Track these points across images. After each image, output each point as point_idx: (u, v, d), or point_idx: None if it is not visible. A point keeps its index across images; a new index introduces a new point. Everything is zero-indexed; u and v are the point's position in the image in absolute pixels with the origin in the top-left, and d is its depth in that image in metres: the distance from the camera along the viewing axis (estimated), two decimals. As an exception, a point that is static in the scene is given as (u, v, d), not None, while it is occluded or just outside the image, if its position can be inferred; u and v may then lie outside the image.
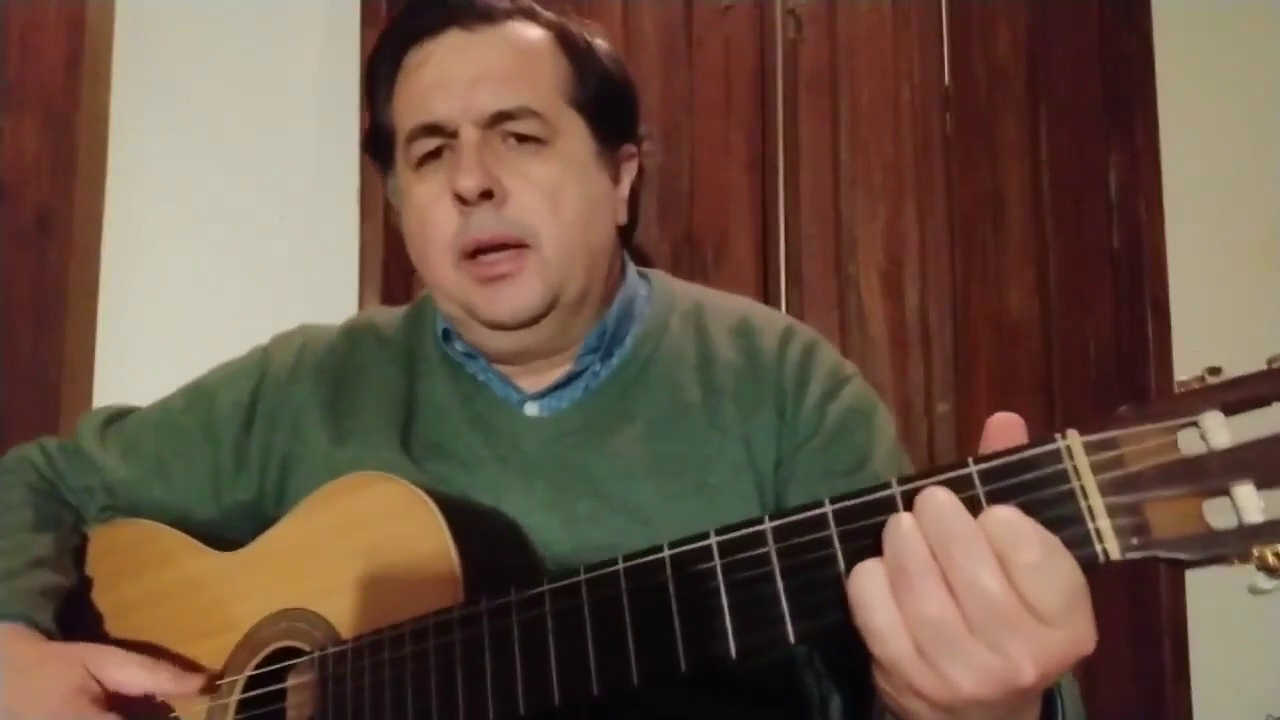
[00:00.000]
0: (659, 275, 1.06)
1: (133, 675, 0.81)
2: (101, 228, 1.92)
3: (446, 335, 0.99)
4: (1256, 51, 2.06)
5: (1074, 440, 0.58)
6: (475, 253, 0.89)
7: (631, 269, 1.03)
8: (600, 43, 0.97)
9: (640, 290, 1.02)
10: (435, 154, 0.91)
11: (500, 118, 0.88)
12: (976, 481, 0.58)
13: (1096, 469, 0.57)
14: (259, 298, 1.90)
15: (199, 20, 1.97)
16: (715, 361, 0.96)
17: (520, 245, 0.88)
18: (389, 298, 1.86)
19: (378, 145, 0.98)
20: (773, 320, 1.00)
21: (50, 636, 0.86)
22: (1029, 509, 0.56)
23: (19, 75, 1.87)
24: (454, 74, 0.89)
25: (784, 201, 1.97)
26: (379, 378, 0.99)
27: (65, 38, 1.88)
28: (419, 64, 0.91)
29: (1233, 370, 0.62)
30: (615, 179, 0.97)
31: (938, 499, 0.56)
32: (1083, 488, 0.57)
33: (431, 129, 0.89)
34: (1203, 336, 1.99)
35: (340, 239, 1.93)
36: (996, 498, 0.58)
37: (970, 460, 0.59)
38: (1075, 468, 0.57)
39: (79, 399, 1.77)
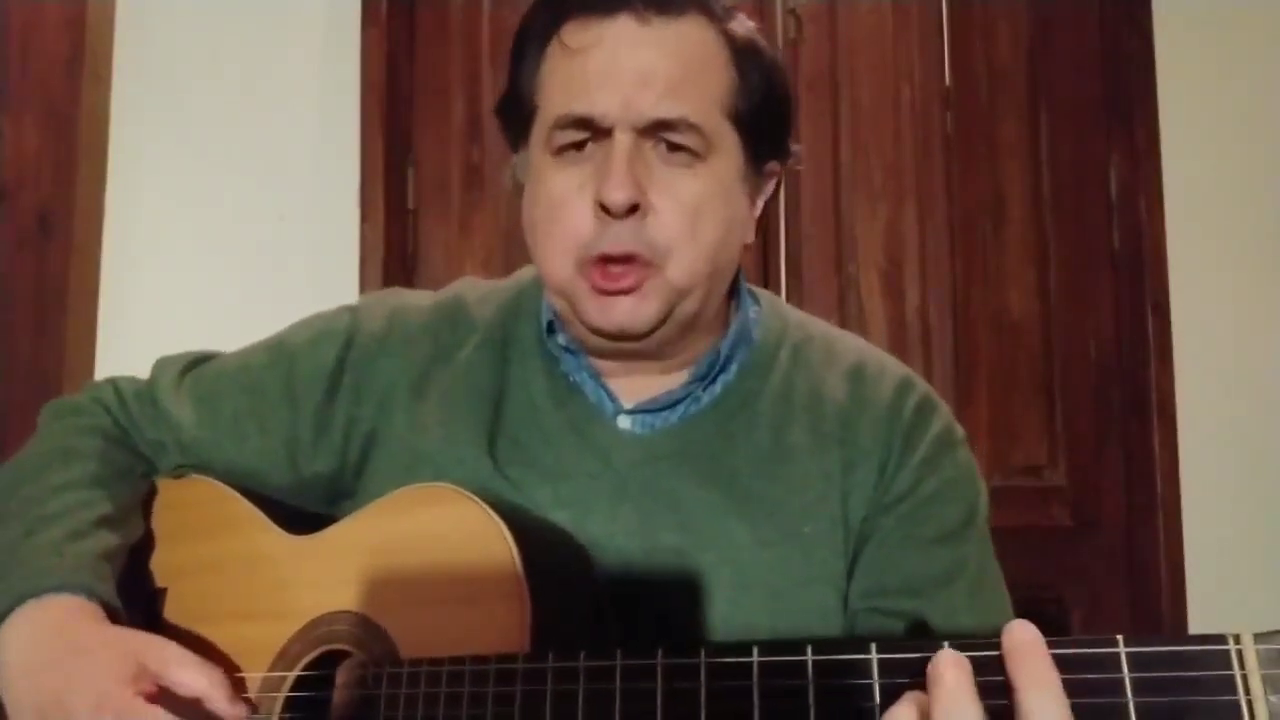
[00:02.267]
0: (768, 298, 1.01)
1: (192, 678, 0.78)
2: (101, 228, 1.92)
3: (550, 328, 0.94)
4: (1256, 51, 2.06)
5: (1248, 646, 0.51)
6: (599, 260, 0.84)
7: (745, 289, 0.98)
8: (769, 52, 0.91)
9: (750, 312, 0.97)
10: (578, 145, 0.85)
11: (659, 126, 0.83)
12: (1124, 665, 0.53)
13: (1271, 685, 0.50)
14: (259, 298, 1.90)
15: (199, 20, 1.97)
16: (825, 404, 0.91)
17: (648, 264, 0.84)
18: (389, 298, 1.86)
19: (512, 115, 0.91)
20: (888, 369, 0.95)
21: (111, 610, 0.84)
22: (1183, 711, 0.51)
23: (19, 75, 1.88)
24: (620, 68, 0.83)
25: (784, 201, 1.97)
26: (469, 363, 0.94)
27: (65, 38, 1.88)
28: (583, 46, 0.84)
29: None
30: (754, 199, 0.92)
31: (945, 680, 0.54)
32: (1250, 702, 0.50)
33: (584, 122, 0.84)
34: (1203, 336, 1.99)
35: (340, 239, 1.93)
36: (1145, 688, 0.52)
37: (1120, 639, 0.53)
38: (1244, 677, 0.50)
39: (79, 399, 1.78)
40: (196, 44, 1.97)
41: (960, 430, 0.94)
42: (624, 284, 0.84)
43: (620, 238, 0.83)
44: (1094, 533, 2.00)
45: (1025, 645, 0.54)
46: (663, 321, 0.86)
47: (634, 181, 0.82)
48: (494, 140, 2.01)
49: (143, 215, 1.92)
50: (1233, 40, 2.06)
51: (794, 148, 0.94)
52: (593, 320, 0.86)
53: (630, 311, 0.85)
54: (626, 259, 0.84)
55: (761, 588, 0.85)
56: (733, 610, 0.84)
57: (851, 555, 0.88)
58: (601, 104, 0.83)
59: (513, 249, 1.99)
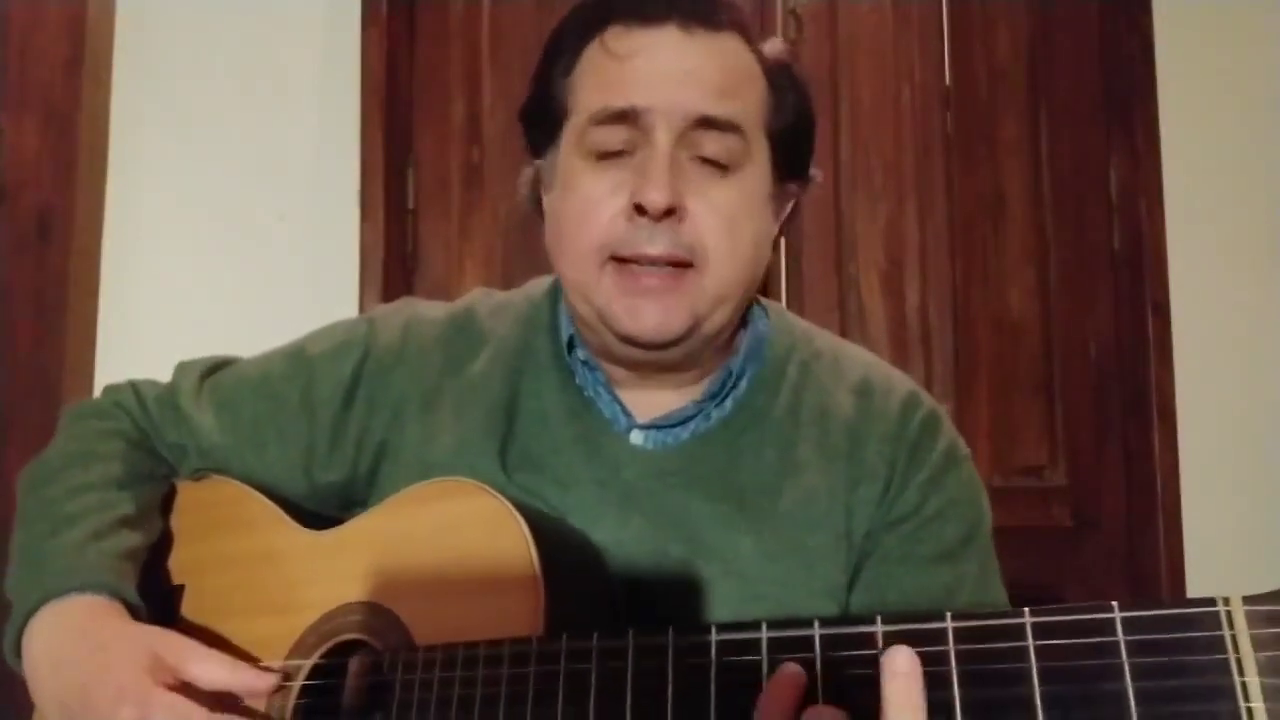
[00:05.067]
0: (776, 310, 1.01)
1: (212, 671, 0.80)
2: (101, 228, 1.92)
3: (571, 343, 0.94)
4: (1256, 51, 2.06)
5: (1236, 607, 0.53)
6: (630, 259, 0.84)
7: (754, 305, 0.98)
8: (800, 74, 0.92)
9: (759, 326, 0.97)
10: (615, 153, 0.85)
11: (704, 123, 0.83)
12: (1119, 629, 0.55)
13: (1258, 644, 0.52)
14: (259, 297, 1.90)
15: (199, 20, 1.97)
16: (832, 419, 0.92)
17: (684, 264, 0.84)
18: (389, 298, 1.86)
19: (539, 120, 0.91)
20: (895, 385, 0.95)
21: (132, 609, 0.86)
22: (1174, 671, 0.53)
23: (19, 75, 1.87)
24: (666, 69, 0.83)
25: (784, 201, 1.97)
26: (481, 374, 0.95)
27: (65, 38, 1.88)
28: (629, 52, 0.84)
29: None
30: (777, 217, 0.93)
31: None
32: (1239, 661, 0.52)
33: (625, 115, 0.83)
34: (1203, 336, 1.99)
35: (340, 239, 1.93)
36: (1139, 650, 0.54)
37: (1115, 605, 0.56)
38: (1234, 637, 0.52)
39: (79, 399, 1.77)
40: (196, 44, 1.97)
41: (964, 447, 0.95)
42: (655, 283, 0.84)
43: (656, 239, 0.83)
44: (1094, 533, 2.00)
45: (902, 674, 0.58)
46: (691, 331, 0.86)
47: (673, 185, 0.82)
48: (494, 140, 2.01)
49: (143, 215, 1.92)
50: (1233, 40, 2.06)
51: (814, 173, 0.94)
52: (622, 325, 0.85)
53: (658, 315, 0.84)
54: (665, 261, 0.83)
55: (765, 599, 0.86)
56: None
57: (853, 570, 0.89)
58: (645, 98, 0.83)
59: (512, 249, 1.99)
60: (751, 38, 0.88)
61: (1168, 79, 2.03)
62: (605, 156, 0.85)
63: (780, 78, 0.89)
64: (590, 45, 0.87)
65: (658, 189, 0.81)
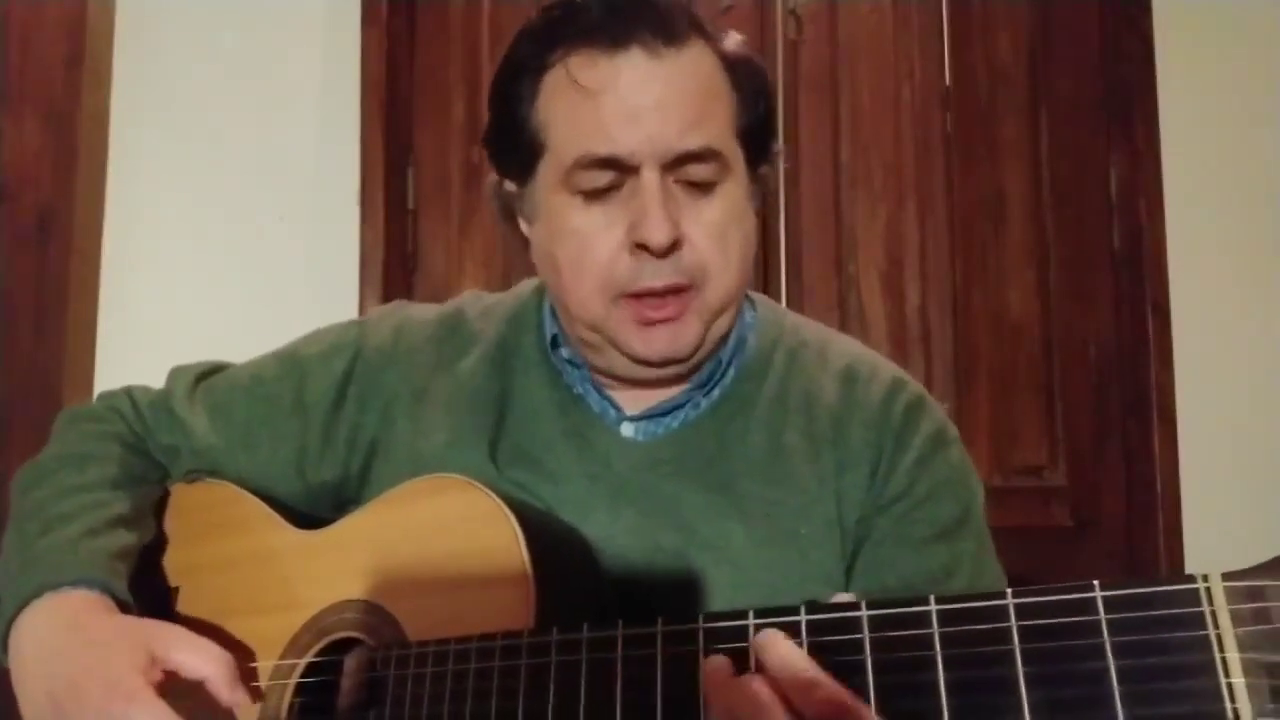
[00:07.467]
0: (764, 302, 1.02)
1: (194, 660, 0.80)
2: (101, 228, 1.92)
3: (554, 342, 0.96)
4: (1256, 51, 2.06)
5: (1215, 583, 0.53)
6: (640, 294, 0.85)
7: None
8: (755, 59, 0.91)
9: (746, 317, 0.98)
10: (604, 190, 0.85)
11: (684, 159, 0.84)
12: (1100, 608, 0.55)
13: (1238, 619, 0.52)
14: (259, 298, 1.90)
15: (199, 20, 1.97)
16: (818, 406, 0.93)
17: (689, 289, 0.86)
18: (389, 298, 1.86)
19: (509, 148, 0.90)
20: (880, 371, 0.96)
21: (124, 605, 0.86)
22: (1156, 649, 0.53)
23: (19, 75, 1.88)
24: (639, 106, 0.83)
25: (784, 201, 1.97)
26: (471, 372, 0.97)
27: (65, 38, 1.89)
28: (598, 86, 0.83)
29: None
30: (755, 208, 0.93)
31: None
32: (1219, 636, 0.52)
33: (610, 162, 0.83)
34: (1203, 336, 1.99)
35: (340, 239, 1.94)
36: (1120, 628, 0.54)
37: (1096, 585, 0.56)
38: (1214, 613, 0.52)
39: (79, 399, 1.78)
40: (196, 44, 1.97)
41: (953, 429, 0.95)
42: (669, 313, 0.86)
43: (661, 272, 0.84)
44: (1094, 533, 2.00)
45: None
46: (701, 344, 0.88)
47: (672, 221, 0.83)
48: (494, 140, 2.02)
49: (143, 215, 1.93)
50: (1233, 40, 2.06)
51: (775, 146, 0.94)
52: (637, 352, 0.87)
53: (672, 339, 0.87)
54: (670, 290, 0.85)
55: (758, 587, 0.86)
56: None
57: (849, 556, 0.90)
58: (626, 143, 0.83)
59: (512, 249, 1.99)
60: (711, 36, 0.87)
61: (1168, 79, 2.03)
62: (593, 195, 0.85)
63: (742, 73, 0.89)
64: (553, 71, 0.85)
65: (659, 229, 0.82)
